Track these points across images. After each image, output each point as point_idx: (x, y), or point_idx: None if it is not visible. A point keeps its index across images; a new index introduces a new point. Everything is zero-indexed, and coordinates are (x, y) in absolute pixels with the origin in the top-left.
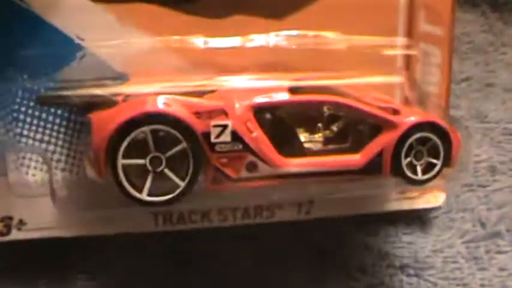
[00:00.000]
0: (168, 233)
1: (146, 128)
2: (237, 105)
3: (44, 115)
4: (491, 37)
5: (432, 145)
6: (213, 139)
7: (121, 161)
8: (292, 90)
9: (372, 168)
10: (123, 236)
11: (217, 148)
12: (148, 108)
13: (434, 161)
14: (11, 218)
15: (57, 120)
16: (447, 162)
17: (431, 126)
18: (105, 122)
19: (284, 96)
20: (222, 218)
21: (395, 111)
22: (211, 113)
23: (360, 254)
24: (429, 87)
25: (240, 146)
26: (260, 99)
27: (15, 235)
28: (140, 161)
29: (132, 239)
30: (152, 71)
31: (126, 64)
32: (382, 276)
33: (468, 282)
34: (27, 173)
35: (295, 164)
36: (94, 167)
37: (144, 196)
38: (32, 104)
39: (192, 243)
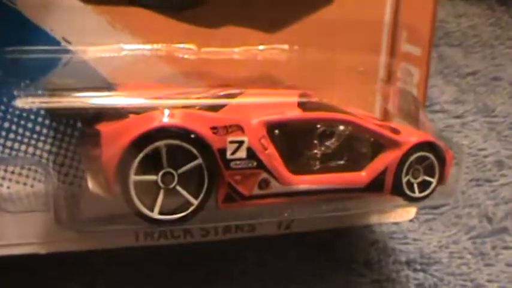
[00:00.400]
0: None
1: (161, 143)
2: (253, 121)
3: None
4: (498, 31)
5: (429, 164)
6: (228, 155)
7: (133, 177)
8: (302, 106)
9: (375, 186)
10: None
11: (232, 165)
12: (165, 121)
13: (430, 179)
14: None
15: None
16: (441, 180)
17: (430, 146)
18: (117, 135)
19: (296, 113)
20: (204, 233)
21: (395, 130)
22: (228, 129)
23: (366, 250)
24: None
25: (255, 163)
26: (274, 116)
27: None
28: (152, 178)
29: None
30: (141, 81)
31: (115, 72)
32: (388, 272)
33: (475, 278)
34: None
35: (305, 181)
36: (101, 182)
37: (155, 214)
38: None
39: None
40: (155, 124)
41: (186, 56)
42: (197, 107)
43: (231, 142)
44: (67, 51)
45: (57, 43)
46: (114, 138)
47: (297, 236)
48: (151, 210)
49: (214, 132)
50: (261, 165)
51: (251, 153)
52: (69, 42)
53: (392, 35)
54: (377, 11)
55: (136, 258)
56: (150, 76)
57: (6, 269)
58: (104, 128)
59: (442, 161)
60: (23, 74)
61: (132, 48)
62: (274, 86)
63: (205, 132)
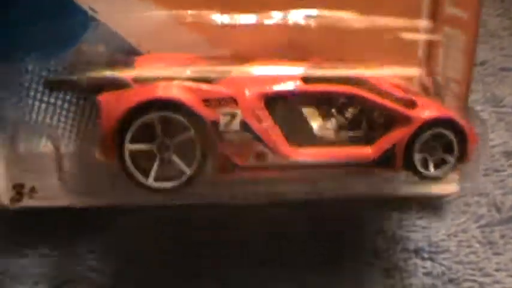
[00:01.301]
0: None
1: (155, 114)
2: (247, 94)
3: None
4: (506, 21)
5: (447, 141)
6: (222, 127)
7: (128, 146)
8: (306, 80)
9: (384, 161)
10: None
11: (225, 137)
12: (158, 94)
13: (449, 157)
14: (22, 186)
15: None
16: (462, 158)
17: (447, 123)
18: (113, 105)
19: (296, 86)
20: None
21: (412, 104)
22: (221, 101)
23: (373, 238)
24: (450, 73)
25: (249, 136)
26: (271, 88)
27: (26, 202)
28: (147, 146)
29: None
30: (166, 49)
31: (141, 39)
32: (396, 260)
33: (483, 267)
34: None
35: (305, 155)
36: (102, 150)
37: (150, 182)
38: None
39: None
40: (148, 96)
41: (210, 23)
42: (194, 79)
43: (224, 114)
44: (94, 20)
45: (85, 12)
46: (112, 108)
47: (305, 223)
48: (146, 177)
49: (206, 105)
50: (256, 138)
51: (245, 126)
52: (95, 11)
53: None
54: None
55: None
56: (174, 44)
57: None
58: (103, 97)
59: (462, 138)
60: (52, 43)
61: (155, 15)
62: (301, 55)
63: (197, 104)
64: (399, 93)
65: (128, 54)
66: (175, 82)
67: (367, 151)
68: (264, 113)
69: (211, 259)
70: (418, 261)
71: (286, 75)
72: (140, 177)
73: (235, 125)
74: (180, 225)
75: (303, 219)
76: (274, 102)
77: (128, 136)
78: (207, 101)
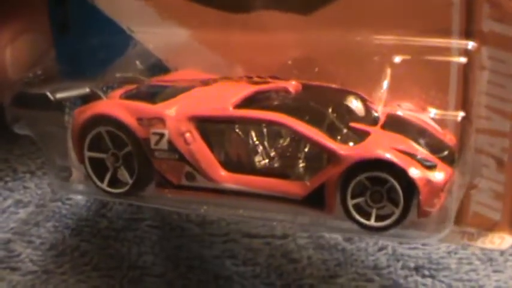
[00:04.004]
0: None
1: (102, 128)
2: (174, 115)
3: None
4: None
5: (391, 188)
6: (152, 145)
7: (87, 153)
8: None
9: (312, 201)
10: None
11: (156, 154)
12: (100, 110)
13: (393, 208)
14: None
15: None
16: (407, 211)
17: (386, 165)
18: (79, 116)
19: (225, 111)
20: None
21: (361, 136)
22: (151, 120)
23: (374, 255)
24: (494, 103)
25: (177, 156)
26: (199, 111)
27: None
28: (102, 155)
29: None
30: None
31: (170, 57)
32: (396, 277)
33: (483, 284)
34: None
35: (233, 181)
36: (75, 154)
37: (104, 186)
38: None
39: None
40: (94, 111)
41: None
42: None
43: (154, 134)
44: (132, 39)
45: (124, 32)
46: (78, 119)
47: (305, 238)
48: (102, 182)
49: (139, 123)
50: (182, 159)
51: (172, 146)
52: (132, 31)
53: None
54: None
55: (147, 261)
56: (197, 63)
57: None
58: (77, 110)
59: (408, 186)
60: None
61: (179, 35)
62: (309, 71)
63: (132, 122)
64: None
65: (159, 70)
66: (117, 100)
67: (298, 186)
68: (193, 135)
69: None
70: (419, 279)
71: (223, 96)
72: (96, 181)
73: (163, 144)
74: None
75: (301, 233)
76: (207, 125)
77: (86, 144)
78: (140, 120)
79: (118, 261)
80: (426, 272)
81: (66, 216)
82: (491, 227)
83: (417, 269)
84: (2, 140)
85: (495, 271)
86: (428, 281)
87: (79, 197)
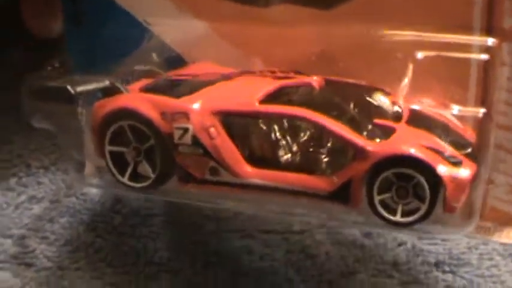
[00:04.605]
0: None
1: (123, 122)
2: (198, 110)
3: None
4: None
5: (417, 184)
6: (176, 140)
7: (108, 147)
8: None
9: (339, 197)
10: None
11: (180, 149)
12: (123, 104)
13: (419, 203)
14: None
15: None
16: (433, 206)
17: (411, 162)
18: (100, 110)
19: (251, 106)
20: None
21: (387, 132)
22: (175, 115)
23: (394, 250)
24: None
25: (201, 151)
26: (224, 106)
27: None
28: (123, 149)
29: None
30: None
31: (186, 50)
32: (416, 273)
33: (505, 280)
34: None
35: (258, 176)
36: (94, 148)
37: (125, 180)
38: None
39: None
40: (115, 105)
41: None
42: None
43: (177, 128)
44: (148, 31)
45: (140, 24)
46: (99, 113)
47: (324, 234)
48: (123, 176)
49: (163, 118)
50: (207, 153)
51: (196, 141)
52: (148, 24)
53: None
54: None
55: (163, 257)
56: (215, 55)
57: None
58: (97, 103)
59: (435, 182)
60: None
61: (196, 27)
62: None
63: (155, 116)
64: (375, 116)
65: (176, 63)
66: (143, 93)
67: (323, 181)
68: (217, 130)
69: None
70: (439, 275)
71: (250, 91)
72: (117, 175)
73: (187, 139)
74: None
75: (321, 229)
76: (232, 119)
77: (107, 138)
78: (163, 114)
79: (134, 257)
80: (447, 268)
81: (81, 211)
82: (507, 222)
83: (437, 264)
84: (16, 135)
85: None
86: (449, 276)
87: (93, 192)
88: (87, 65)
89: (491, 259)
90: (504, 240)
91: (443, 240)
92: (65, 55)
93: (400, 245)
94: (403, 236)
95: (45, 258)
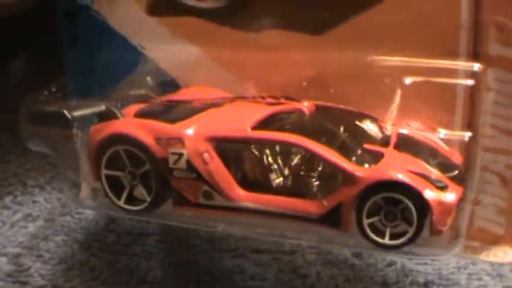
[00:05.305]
0: None
1: (120, 147)
2: (192, 135)
3: None
4: None
5: (405, 208)
6: (171, 165)
7: (103, 171)
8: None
9: (329, 220)
10: None
11: (175, 173)
12: (118, 129)
13: (406, 227)
14: None
15: None
16: (420, 229)
17: (399, 186)
18: (96, 134)
19: (244, 132)
20: None
21: (376, 157)
22: (170, 141)
23: (384, 270)
24: (501, 124)
25: (195, 175)
26: (218, 132)
27: None
28: (119, 173)
29: None
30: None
31: (180, 74)
32: None
33: None
34: None
35: (250, 200)
36: (91, 171)
37: (121, 203)
38: None
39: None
40: (111, 130)
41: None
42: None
43: (172, 153)
44: (143, 55)
45: (135, 48)
46: (95, 137)
47: (316, 255)
48: (119, 199)
49: (157, 143)
50: (200, 178)
51: (190, 166)
52: (143, 48)
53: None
54: (450, 8)
55: (156, 276)
56: (208, 80)
57: None
58: (93, 128)
59: (422, 206)
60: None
61: (190, 53)
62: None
63: (150, 142)
64: (365, 143)
65: (170, 86)
66: (137, 119)
67: (314, 205)
68: (211, 155)
69: None
70: None
71: (241, 117)
72: (113, 198)
73: (182, 164)
74: None
75: (311, 249)
76: (225, 145)
77: (103, 163)
78: (158, 139)
79: (127, 275)
80: None
81: (75, 230)
82: (494, 241)
83: (427, 284)
84: (12, 155)
85: (505, 287)
86: None
87: (88, 212)
88: (85, 87)
89: (480, 279)
90: (491, 259)
91: (432, 260)
92: (62, 79)
93: (389, 265)
94: (392, 256)
95: (39, 277)
